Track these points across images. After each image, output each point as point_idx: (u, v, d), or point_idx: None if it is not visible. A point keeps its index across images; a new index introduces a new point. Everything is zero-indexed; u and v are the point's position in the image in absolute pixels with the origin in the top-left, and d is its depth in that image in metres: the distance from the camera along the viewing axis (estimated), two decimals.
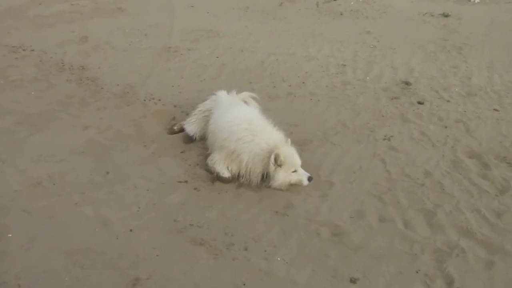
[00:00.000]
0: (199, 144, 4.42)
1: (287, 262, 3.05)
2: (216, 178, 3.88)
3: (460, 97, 5.17)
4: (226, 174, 3.83)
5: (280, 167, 3.66)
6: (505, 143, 4.33)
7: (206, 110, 4.51)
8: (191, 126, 4.46)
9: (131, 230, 3.36)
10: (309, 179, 3.72)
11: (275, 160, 3.64)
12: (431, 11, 7.87)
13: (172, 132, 4.63)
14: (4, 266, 3.07)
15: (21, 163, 4.14)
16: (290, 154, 3.72)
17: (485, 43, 6.53)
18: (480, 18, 7.50)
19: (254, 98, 4.72)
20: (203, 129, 4.41)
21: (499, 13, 7.73)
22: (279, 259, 3.08)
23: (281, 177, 3.67)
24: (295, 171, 3.72)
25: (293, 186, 3.75)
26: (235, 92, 4.63)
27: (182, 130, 4.59)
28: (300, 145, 4.31)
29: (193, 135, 4.45)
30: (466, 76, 5.62)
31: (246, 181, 3.83)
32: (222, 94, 4.58)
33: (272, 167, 3.67)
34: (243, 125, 3.86)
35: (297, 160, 3.74)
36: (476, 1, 8.50)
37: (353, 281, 2.90)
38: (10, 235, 3.33)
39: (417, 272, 2.96)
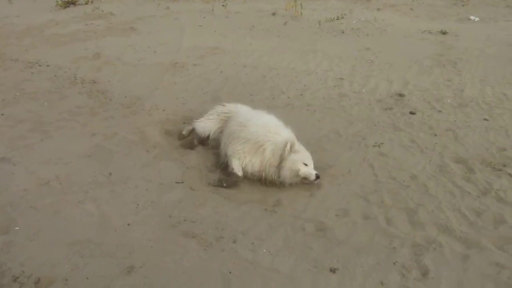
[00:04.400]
0: (198, 150, 4.67)
1: (272, 254, 3.24)
2: (228, 174, 4.10)
3: (451, 108, 5.35)
4: (240, 172, 4.07)
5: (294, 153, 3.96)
6: (491, 149, 4.48)
7: (224, 112, 4.76)
8: (207, 124, 4.70)
9: (128, 224, 3.59)
10: (317, 176, 3.93)
11: (291, 147, 3.96)
12: (430, 29, 8.11)
13: (181, 137, 4.88)
14: (10, 255, 3.32)
15: (31, 165, 4.44)
16: (304, 149, 4.05)
17: (480, 58, 6.72)
18: (477, 35, 7.71)
19: None
20: (218, 128, 4.67)
21: (496, 30, 7.93)
22: (264, 250, 3.27)
23: (292, 163, 3.93)
24: (306, 165, 3.96)
25: (284, 187, 3.97)
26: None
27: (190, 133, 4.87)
28: None
29: (208, 134, 4.70)
30: (459, 88, 5.81)
31: (263, 175, 4.06)
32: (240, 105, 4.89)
33: (286, 153, 3.95)
34: (270, 123, 4.25)
35: (309, 156, 4.04)
36: (476, 20, 8.71)
37: (332, 270, 3.07)
38: (17, 228, 3.59)
39: (394, 263, 3.12)
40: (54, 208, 3.82)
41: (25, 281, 3.08)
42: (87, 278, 3.09)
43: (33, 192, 4.02)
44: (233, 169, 4.09)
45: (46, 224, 3.62)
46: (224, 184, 4.05)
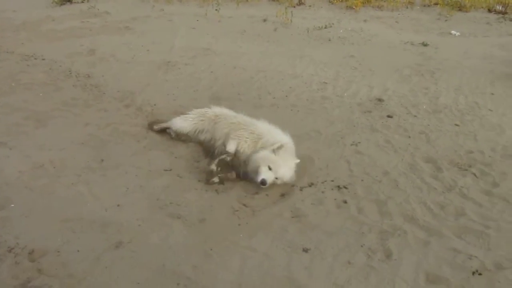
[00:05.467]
0: (186, 142, 4.94)
1: (250, 235, 3.52)
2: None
3: (426, 113, 5.70)
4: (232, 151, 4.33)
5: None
6: (459, 152, 4.82)
7: (207, 116, 4.95)
8: (184, 124, 4.97)
9: (118, 205, 3.85)
10: (262, 182, 3.98)
11: (278, 147, 4.19)
12: (412, 41, 8.50)
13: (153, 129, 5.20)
14: (6, 229, 3.55)
15: (26, 150, 4.67)
16: (287, 158, 4.22)
17: (456, 69, 7.10)
18: (456, 48, 8.12)
19: None
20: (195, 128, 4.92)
21: (474, 45, 8.35)
22: (244, 232, 3.54)
23: (262, 157, 4.18)
24: (270, 168, 4.12)
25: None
26: None
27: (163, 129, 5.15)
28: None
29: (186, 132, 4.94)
30: (435, 96, 6.17)
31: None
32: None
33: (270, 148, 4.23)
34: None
35: (282, 165, 4.13)
36: (456, 34, 9.14)
37: (305, 250, 3.36)
38: (13, 205, 3.82)
39: (361, 246, 3.41)
40: (48, 189, 4.06)
41: (19, 252, 3.32)
42: (78, 251, 3.33)
43: (28, 174, 4.25)
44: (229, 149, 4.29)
45: (40, 203, 3.86)
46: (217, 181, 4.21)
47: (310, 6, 11.48)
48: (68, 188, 4.07)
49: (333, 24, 9.62)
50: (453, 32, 9.27)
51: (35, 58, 7.49)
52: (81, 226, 3.59)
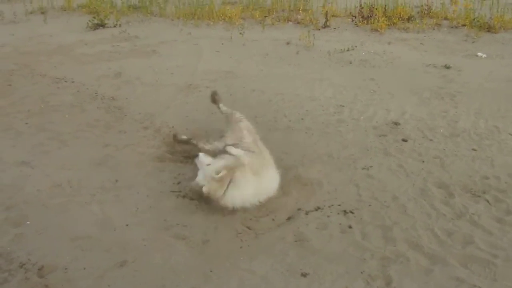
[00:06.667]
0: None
1: (251, 258, 3.56)
2: None
3: (443, 137, 5.60)
4: None
5: None
6: (474, 177, 4.71)
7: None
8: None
9: (127, 225, 3.98)
10: None
11: None
12: (435, 63, 8.40)
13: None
14: (20, 245, 3.75)
15: (47, 169, 4.91)
16: None
17: (478, 92, 6.96)
18: (480, 71, 7.96)
19: None
20: None
21: (500, 67, 8.16)
22: (245, 255, 3.59)
23: None
24: None
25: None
26: None
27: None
28: (286, 169, 4.86)
29: None
30: (453, 119, 6.06)
31: None
32: None
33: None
34: None
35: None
36: (483, 56, 8.97)
37: (304, 275, 3.37)
38: (29, 222, 4.03)
39: (361, 272, 3.39)
40: (63, 207, 4.26)
41: (30, 268, 3.49)
42: (84, 268, 3.47)
43: (46, 193, 4.48)
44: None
45: (54, 221, 4.06)
46: None
47: (335, 28, 11.53)
48: (82, 207, 4.25)
49: (356, 46, 9.64)
50: (479, 54, 9.09)
51: (65, 81, 7.86)
52: (90, 245, 3.74)
